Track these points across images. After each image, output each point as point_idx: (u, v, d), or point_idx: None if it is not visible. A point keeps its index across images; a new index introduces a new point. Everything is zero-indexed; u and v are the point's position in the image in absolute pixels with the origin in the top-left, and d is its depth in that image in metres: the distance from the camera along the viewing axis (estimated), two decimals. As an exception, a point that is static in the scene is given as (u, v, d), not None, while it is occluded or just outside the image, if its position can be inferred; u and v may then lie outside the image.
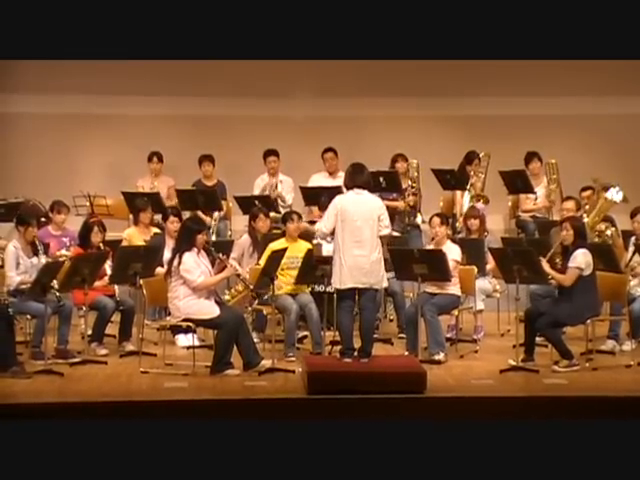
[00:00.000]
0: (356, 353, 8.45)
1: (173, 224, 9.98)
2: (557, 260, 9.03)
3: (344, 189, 8.78)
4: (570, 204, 10.24)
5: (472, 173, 11.74)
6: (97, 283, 9.33)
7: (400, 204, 11.46)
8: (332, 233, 8.57)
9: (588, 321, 8.94)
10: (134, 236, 10.42)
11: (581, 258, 8.80)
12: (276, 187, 11.95)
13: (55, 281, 8.76)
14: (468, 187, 11.69)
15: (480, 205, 11.49)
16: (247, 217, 10.39)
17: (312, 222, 10.66)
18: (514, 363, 8.78)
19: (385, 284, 8.61)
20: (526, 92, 12.77)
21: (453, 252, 9.35)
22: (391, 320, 10.61)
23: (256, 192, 11.89)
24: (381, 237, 8.45)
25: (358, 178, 8.49)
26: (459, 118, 13.12)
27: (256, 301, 9.33)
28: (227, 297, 9.15)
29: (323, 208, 9.65)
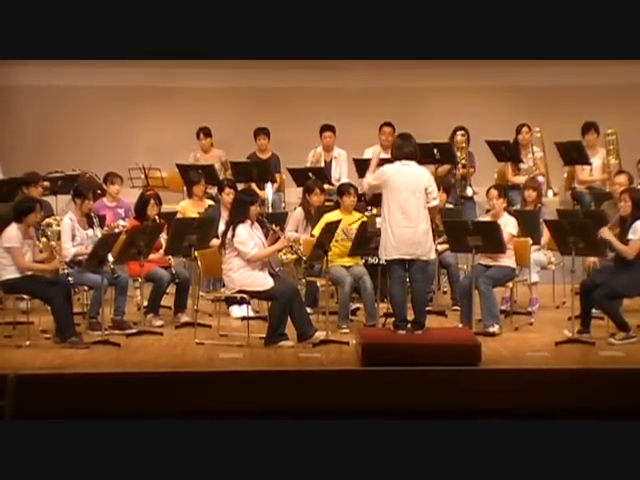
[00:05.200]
0: (410, 325, 8.44)
1: (229, 195, 9.99)
2: (615, 232, 8.94)
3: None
4: (622, 178, 10.09)
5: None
6: (153, 255, 9.42)
7: (443, 168, 11.42)
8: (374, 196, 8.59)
9: (645, 293, 8.86)
10: (188, 209, 10.49)
11: (641, 228, 8.71)
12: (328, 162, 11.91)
13: (110, 255, 8.86)
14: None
15: (540, 178, 11.40)
16: (301, 189, 10.40)
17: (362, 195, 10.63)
18: (569, 334, 8.72)
19: (433, 255, 8.57)
20: (582, 60, 12.54)
21: (510, 225, 9.28)
22: (445, 292, 10.58)
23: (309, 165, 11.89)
24: (431, 209, 8.42)
25: (405, 149, 8.41)
26: (517, 88, 13.00)
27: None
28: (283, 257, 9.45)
29: None
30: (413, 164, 8.40)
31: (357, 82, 13.16)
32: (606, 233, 8.74)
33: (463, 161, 11.69)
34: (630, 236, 8.73)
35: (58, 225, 9.55)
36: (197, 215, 10.21)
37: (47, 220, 9.66)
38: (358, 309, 9.72)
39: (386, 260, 8.47)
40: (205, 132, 12.23)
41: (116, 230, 9.52)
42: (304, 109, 12.95)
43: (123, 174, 11.15)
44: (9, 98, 13.13)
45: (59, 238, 9.22)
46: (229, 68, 12.74)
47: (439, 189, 8.99)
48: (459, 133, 11.76)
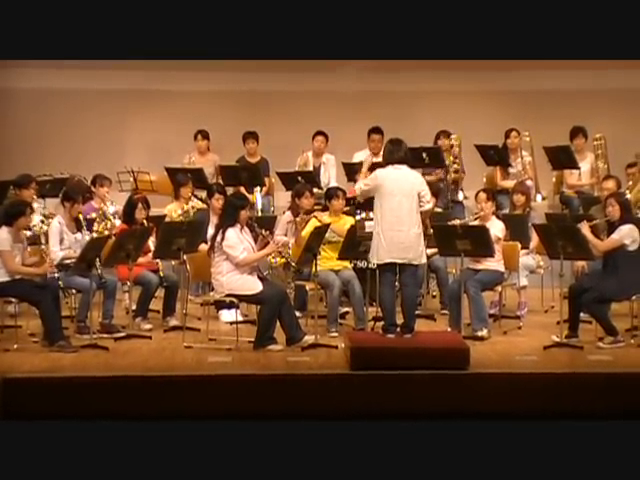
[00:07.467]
0: (399, 329, 8.45)
1: (218, 201, 9.97)
2: (602, 237, 8.97)
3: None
4: (610, 183, 10.12)
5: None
6: (141, 259, 9.40)
7: (435, 177, 11.44)
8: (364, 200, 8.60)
9: (634, 297, 8.87)
10: (174, 211, 10.48)
11: (626, 232, 8.75)
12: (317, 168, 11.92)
13: (98, 259, 8.84)
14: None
15: (529, 183, 11.43)
16: (290, 193, 10.39)
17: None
18: (558, 339, 8.74)
19: (424, 260, 8.58)
20: (572, 65, 12.55)
21: (496, 227, 9.30)
22: (434, 296, 10.59)
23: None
24: (423, 212, 8.42)
25: (396, 154, 8.41)
26: (506, 93, 13.02)
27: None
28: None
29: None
30: (405, 168, 8.40)
31: (349, 86, 13.15)
32: (585, 228, 8.77)
33: (455, 165, 11.71)
34: (613, 235, 8.78)
35: (34, 212, 9.52)
36: (178, 215, 10.21)
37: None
38: (347, 313, 9.72)
39: (377, 264, 8.46)
40: (203, 134, 12.26)
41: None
42: (295, 112, 12.94)
43: (112, 178, 11.12)
44: (4, 100, 13.09)
45: (46, 239, 9.22)
46: (221, 71, 12.72)
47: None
48: (452, 137, 11.78)
